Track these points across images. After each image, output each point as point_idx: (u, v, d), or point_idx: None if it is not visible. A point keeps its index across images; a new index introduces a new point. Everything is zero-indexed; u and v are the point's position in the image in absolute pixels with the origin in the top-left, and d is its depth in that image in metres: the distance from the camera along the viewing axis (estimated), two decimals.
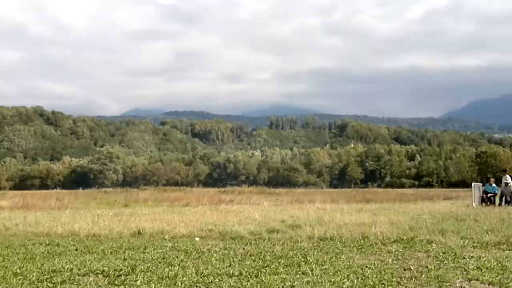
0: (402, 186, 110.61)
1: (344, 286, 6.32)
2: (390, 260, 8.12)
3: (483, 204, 22.44)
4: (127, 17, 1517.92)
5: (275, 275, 7.05)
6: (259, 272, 7.21)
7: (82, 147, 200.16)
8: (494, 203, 22.56)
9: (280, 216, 16.20)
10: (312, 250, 9.23)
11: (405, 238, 10.46)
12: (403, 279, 6.71)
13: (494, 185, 23.84)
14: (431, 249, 9.14)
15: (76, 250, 9.98)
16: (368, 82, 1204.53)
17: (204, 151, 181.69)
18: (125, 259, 8.62)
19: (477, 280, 6.62)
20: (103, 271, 7.55)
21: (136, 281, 6.84)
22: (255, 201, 33.67)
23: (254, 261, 8.21)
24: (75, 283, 6.78)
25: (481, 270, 7.21)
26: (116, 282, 6.79)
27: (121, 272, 7.41)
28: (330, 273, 7.08)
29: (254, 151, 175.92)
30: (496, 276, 6.77)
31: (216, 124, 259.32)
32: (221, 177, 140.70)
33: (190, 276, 7.07)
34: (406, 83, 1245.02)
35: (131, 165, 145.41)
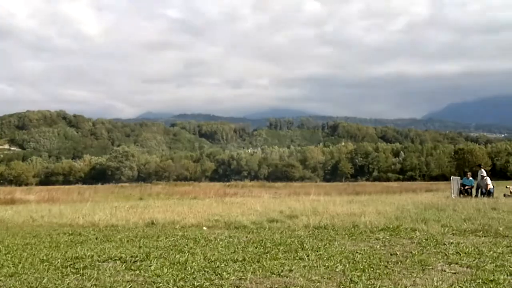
0: (388, 179, 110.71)
1: (337, 270, 6.31)
2: (378, 246, 8.09)
3: (461, 195, 22.38)
4: (141, 29, 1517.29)
5: (275, 260, 7.04)
6: (261, 258, 7.20)
7: (100, 146, 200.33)
8: (471, 194, 22.50)
9: (279, 207, 16.16)
10: (308, 238, 9.20)
11: (391, 226, 10.42)
12: (390, 263, 6.69)
13: (471, 178, 23.78)
14: (415, 236, 9.11)
15: (96, 239, 9.96)
16: (357, 87, 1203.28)
17: (210, 149, 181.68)
18: (140, 247, 8.60)
19: (457, 263, 6.61)
20: (121, 257, 7.54)
21: (150, 266, 6.83)
22: (256, 194, 33.61)
23: (256, 248, 8.19)
24: (95, 269, 6.77)
25: (460, 254, 7.19)
26: (133, 268, 6.78)
27: (136, 259, 7.39)
28: (325, 258, 7.06)
29: (255, 149, 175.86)
30: (474, 260, 6.76)
31: (220, 125, 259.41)
32: (225, 172, 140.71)
33: (198, 261, 7.05)
34: (391, 87, 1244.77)
35: (144, 163, 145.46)
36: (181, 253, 7.77)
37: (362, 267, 6.43)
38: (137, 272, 6.49)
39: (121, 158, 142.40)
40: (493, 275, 5.81)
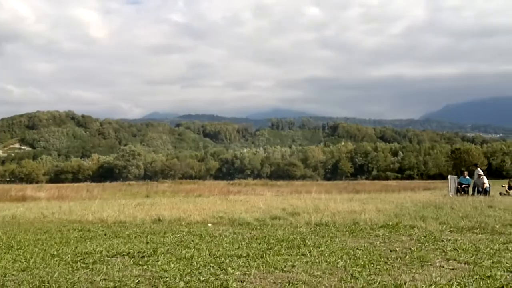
0: (387, 178, 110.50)
1: (338, 266, 6.30)
2: (378, 243, 8.09)
3: (458, 194, 22.32)
4: (146, 33, 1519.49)
5: (278, 256, 7.04)
6: (264, 254, 7.20)
7: (108, 146, 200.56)
8: (467, 193, 22.44)
9: (281, 205, 16.16)
10: (310, 234, 9.20)
11: (390, 223, 10.41)
12: (389, 259, 6.69)
13: (467, 177, 23.71)
14: (414, 233, 9.10)
15: (105, 234, 9.98)
16: (356, 89, 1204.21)
17: (214, 149, 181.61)
18: (147, 243, 8.62)
19: (454, 260, 6.59)
20: (129, 253, 7.57)
21: (157, 261, 6.84)
22: (259, 192, 33.54)
23: (259, 244, 8.20)
24: (104, 264, 6.79)
25: (458, 251, 7.18)
26: (140, 263, 6.80)
27: (144, 254, 7.41)
28: (326, 254, 7.06)
29: (258, 149, 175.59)
30: (471, 257, 6.75)
31: (224, 125, 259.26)
32: (229, 171, 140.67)
33: (204, 257, 7.06)
34: (390, 89, 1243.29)
35: (151, 161, 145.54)
36: (187, 249, 7.78)
37: (362, 263, 6.42)
38: (145, 267, 6.51)
39: (128, 157, 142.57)
40: (490, 271, 5.80)
